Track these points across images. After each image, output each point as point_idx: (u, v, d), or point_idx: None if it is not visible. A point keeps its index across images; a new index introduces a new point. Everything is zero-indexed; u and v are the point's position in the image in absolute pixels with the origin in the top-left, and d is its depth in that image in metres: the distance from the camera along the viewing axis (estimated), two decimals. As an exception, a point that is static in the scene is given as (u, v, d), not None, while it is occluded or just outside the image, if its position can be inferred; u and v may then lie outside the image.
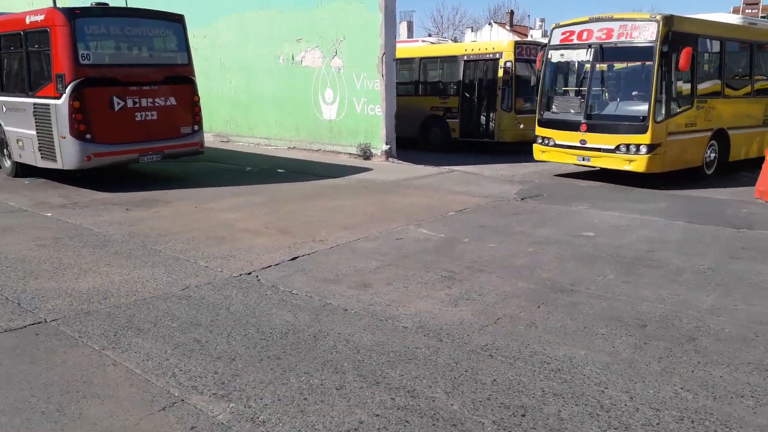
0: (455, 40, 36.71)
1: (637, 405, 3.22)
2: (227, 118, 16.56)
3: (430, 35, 35.37)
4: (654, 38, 8.98)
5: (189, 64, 10.14)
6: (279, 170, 11.67)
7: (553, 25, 10.79)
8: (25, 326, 4.22)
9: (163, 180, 10.36)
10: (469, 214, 7.96)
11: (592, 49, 9.71)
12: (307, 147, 14.68)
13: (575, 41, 10.09)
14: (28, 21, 9.27)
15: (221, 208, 8.16)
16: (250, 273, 5.44)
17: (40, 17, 9.03)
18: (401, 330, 4.21)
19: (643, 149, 9.21)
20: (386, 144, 13.04)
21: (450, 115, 14.85)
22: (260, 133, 15.87)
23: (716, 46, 10.35)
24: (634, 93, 9.77)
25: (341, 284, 5.15)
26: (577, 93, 10.23)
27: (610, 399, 3.29)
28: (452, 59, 15.02)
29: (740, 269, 5.59)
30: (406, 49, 16.68)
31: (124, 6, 10.62)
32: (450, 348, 3.93)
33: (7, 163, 10.44)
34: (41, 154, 9.28)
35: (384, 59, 12.62)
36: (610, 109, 9.92)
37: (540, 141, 10.72)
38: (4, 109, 10.03)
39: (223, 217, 7.68)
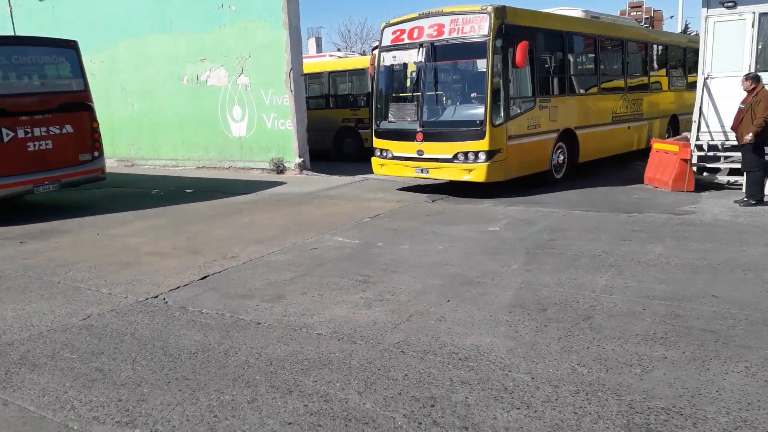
0: (363, 54, 37.23)
1: (537, 384, 3.40)
2: (131, 141, 15.95)
3: (338, 50, 35.77)
4: (486, 32, 8.47)
5: (85, 90, 9.76)
6: (188, 190, 11.34)
7: (383, 24, 9.89)
8: None
9: (62, 209, 9.81)
10: (383, 219, 8.08)
11: (424, 49, 9.07)
12: (217, 165, 14.39)
13: (406, 40, 9.34)
14: None
15: (125, 234, 7.83)
16: (156, 296, 5.25)
17: None
18: (315, 337, 4.21)
19: (482, 156, 8.67)
20: (299, 157, 13.03)
21: (362, 126, 15.03)
22: (167, 155, 15.40)
23: (558, 41, 10.04)
24: (472, 95, 9.17)
25: (254, 299, 5.08)
26: (412, 99, 9.68)
27: (513, 381, 3.45)
28: (360, 72, 15.22)
29: (631, 250, 6.01)
30: (314, 64, 16.79)
31: (11, 35, 10.10)
32: (364, 349, 3.97)
33: None
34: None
35: (291, 75, 12.65)
36: (447, 114, 9.36)
37: (378, 153, 9.99)
38: None
39: (127, 242, 7.37)
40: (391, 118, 9.99)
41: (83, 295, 5.34)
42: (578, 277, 5.25)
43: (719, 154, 9.48)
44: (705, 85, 9.34)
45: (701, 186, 9.33)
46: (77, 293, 5.41)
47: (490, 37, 8.71)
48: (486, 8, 8.75)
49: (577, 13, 11.51)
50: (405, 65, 9.95)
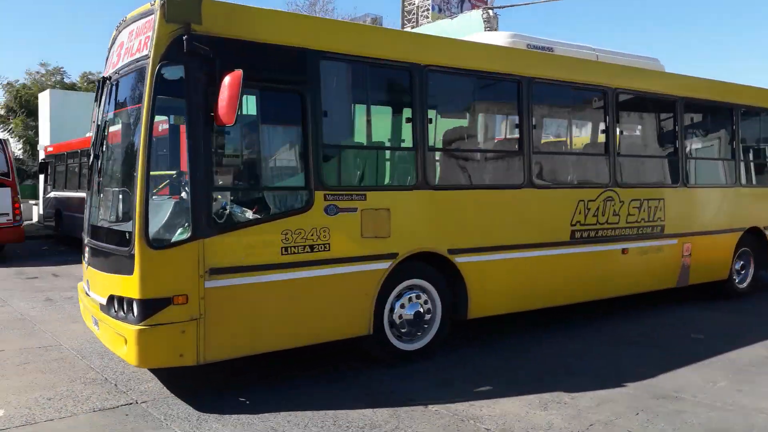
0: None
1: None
2: None
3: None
4: (147, 53, 4.18)
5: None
6: None
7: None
8: None
9: None
10: None
11: (104, 89, 4.99)
12: None
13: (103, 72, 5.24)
14: None
15: None
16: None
17: None
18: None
19: (135, 311, 4.10)
20: None
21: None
22: None
23: (400, 76, 5.29)
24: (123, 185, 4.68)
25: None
26: (90, 183, 5.34)
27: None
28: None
29: None
30: None
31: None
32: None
33: None
34: None
35: None
36: (108, 216, 4.91)
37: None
38: None
39: None
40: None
41: None
42: None
43: None
44: None
45: None
46: None
47: (151, 62, 4.13)
48: (155, 2, 4.21)
49: (499, 38, 6.46)
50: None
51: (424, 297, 5.34)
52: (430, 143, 5.41)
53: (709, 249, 7.65)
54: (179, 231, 4.22)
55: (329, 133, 4.81)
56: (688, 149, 7.66)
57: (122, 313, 4.24)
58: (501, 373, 5.02)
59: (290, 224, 4.56)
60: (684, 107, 7.43)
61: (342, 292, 4.85)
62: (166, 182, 4.59)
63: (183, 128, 4.26)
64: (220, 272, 4.27)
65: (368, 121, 5.15)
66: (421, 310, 5.31)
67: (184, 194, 4.25)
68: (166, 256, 4.14)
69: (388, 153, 5.63)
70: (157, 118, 4.29)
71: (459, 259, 5.47)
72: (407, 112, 5.31)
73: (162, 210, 4.35)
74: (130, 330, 4.08)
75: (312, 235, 4.65)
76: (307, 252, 4.64)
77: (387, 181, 5.51)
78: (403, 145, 5.69)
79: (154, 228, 4.15)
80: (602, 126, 6.71)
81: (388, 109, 5.90)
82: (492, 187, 5.96)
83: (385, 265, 5.03)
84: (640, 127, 7.89)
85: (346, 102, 5.15)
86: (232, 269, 4.33)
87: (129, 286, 4.14)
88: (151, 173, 4.14)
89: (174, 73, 4.16)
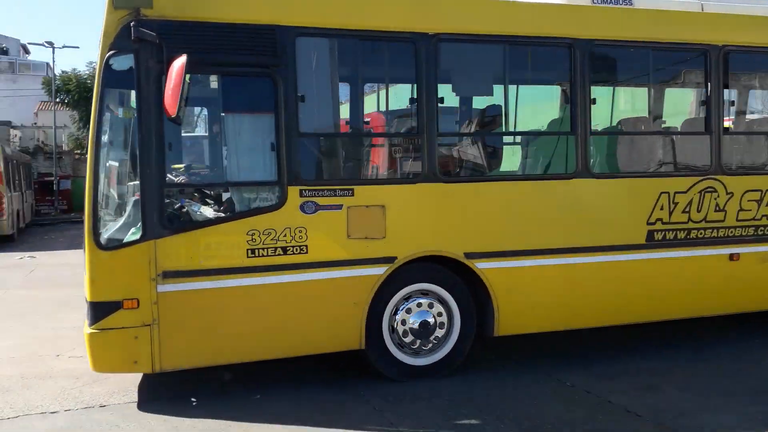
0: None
1: None
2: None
3: None
4: (102, 40, 3.84)
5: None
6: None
7: None
8: None
9: None
10: None
11: None
12: None
13: None
14: None
15: None
16: None
17: None
18: None
19: (88, 316, 3.91)
20: None
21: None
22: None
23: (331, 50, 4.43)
24: None
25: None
26: None
27: None
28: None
29: None
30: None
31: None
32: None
33: None
34: None
35: None
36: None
37: None
38: None
39: None
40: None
41: None
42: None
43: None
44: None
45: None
46: None
47: (100, 52, 3.86)
48: None
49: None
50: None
51: (439, 307, 4.55)
52: (440, 128, 4.53)
53: None
54: (131, 231, 3.98)
55: (307, 120, 4.22)
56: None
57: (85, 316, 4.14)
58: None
59: (258, 224, 4.09)
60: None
61: (324, 301, 4.26)
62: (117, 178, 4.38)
63: (124, 114, 4.01)
64: (174, 276, 3.95)
65: (358, 105, 4.45)
66: (431, 320, 4.53)
67: (136, 191, 3.99)
68: (116, 258, 3.92)
69: (384, 141, 4.86)
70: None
71: (480, 265, 4.55)
72: (411, 91, 4.49)
73: (115, 208, 4.16)
74: (85, 333, 3.95)
75: (285, 236, 4.13)
76: (279, 255, 4.13)
77: (382, 173, 4.76)
78: (404, 131, 4.87)
79: (104, 228, 3.97)
80: (700, 96, 5.18)
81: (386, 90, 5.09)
82: (527, 177, 4.89)
83: (379, 271, 4.33)
84: (756, 94, 6.01)
85: (328, 84, 4.48)
86: (189, 273, 3.98)
87: (85, 287, 4.01)
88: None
89: (123, 63, 3.89)
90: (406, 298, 4.51)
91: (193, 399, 4.22)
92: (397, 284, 4.44)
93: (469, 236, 4.55)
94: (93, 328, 3.90)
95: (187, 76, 3.64)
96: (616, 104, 5.77)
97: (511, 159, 5.22)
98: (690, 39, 5.08)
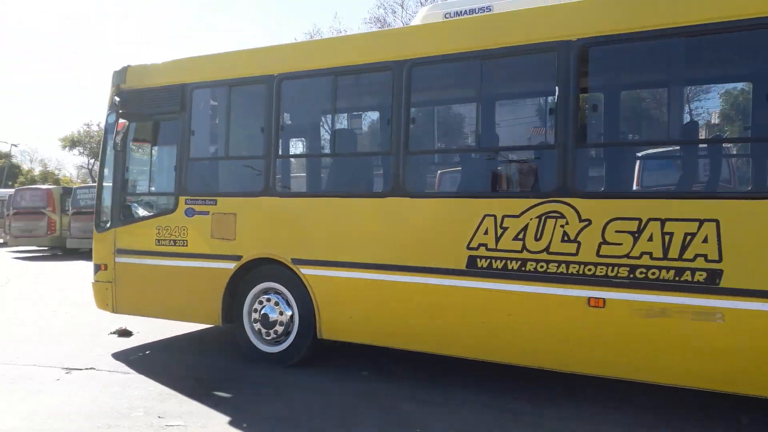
0: None
1: None
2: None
3: None
4: None
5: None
6: None
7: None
8: None
9: None
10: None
11: None
12: None
13: None
14: None
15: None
16: None
17: None
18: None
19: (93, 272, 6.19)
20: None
21: None
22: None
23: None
24: None
25: None
26: None
27: None
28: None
29: None
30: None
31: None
32: None
33: None
34: None
35: None
36: None
37: None
38: None
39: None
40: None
41: None
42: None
43: None
44: None
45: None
46: None
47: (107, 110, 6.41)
48: None
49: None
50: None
51: (282, 306, 5.38)
52: (280, 151, 5.35)
53: None
54: (108, 223, 6.32)
55: (195, 148, 5.79)
56: None
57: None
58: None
59: (161, 222, 5.89)
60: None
61: (196, 284, 5.71)
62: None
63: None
64: (121, 252, 6.13)
65: (226, 134, 5.70)
66: (271, 314, 5.39)
67: (110, 199, 6.33)
68: (100, 238, 6.33)
69: (242, 162, 5.78)
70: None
71: (304, 271, 5.18)
72: (262, 122, 5.46)
73: (105, 209, 6.55)
74: (90, 283, 6.52)
75: (175, 232, 5.81)
76: (171, 245, 5.83)
77: (236, 188, 5.73)
78: (251, 154, 5.69)
79: (99, 220, 6.44)
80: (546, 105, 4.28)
81: (247, 122, 5.89)
82: (346, 195, 5.06)
83: (230, 266, 5.52)
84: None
85: (208, 121, 5.83)
86: (127, 251, 6.10)
87: (93, 254, 6.59)
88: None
89: (111, 117, 6.32)
90: (266, 292, 5.49)
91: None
92: (252, 279, 5.50)
93: (296, 244, 5.22)
94: (93, 280, 6.43)
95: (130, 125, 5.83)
96: (441, 124, 5.06)
97: (337, 177, 5.36)
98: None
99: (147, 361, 5.72)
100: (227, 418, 4.19)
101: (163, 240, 5.86)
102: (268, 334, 5.43)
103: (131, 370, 5.34)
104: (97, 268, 6.32)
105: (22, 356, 5.78)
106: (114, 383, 4.99)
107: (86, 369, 5.40)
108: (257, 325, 5.48)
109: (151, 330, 6.70)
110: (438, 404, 4.43)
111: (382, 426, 4.07)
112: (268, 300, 5.43)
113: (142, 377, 5.14)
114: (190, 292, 5.76)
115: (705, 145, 4.84)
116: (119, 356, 5.83)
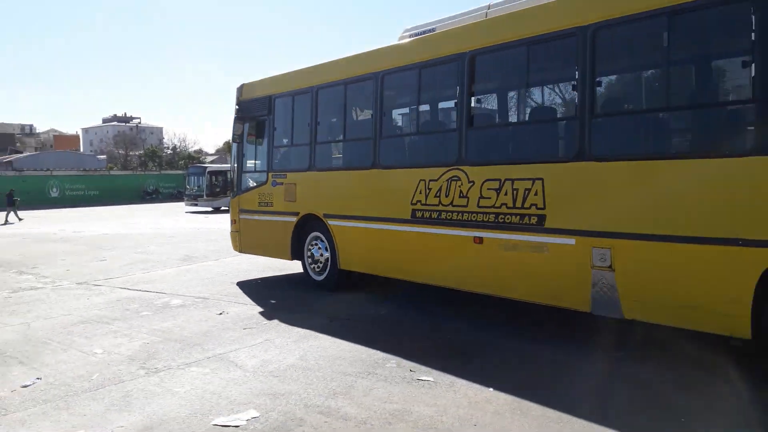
0: None
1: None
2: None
3: None
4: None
5: None
6: None
7: None
8: None
9: None
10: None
11: None
12: None
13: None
14: None
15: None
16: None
17: None
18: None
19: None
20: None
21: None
22: None
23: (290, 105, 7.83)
24: None
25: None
26: None
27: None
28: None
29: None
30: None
31: None
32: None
33: None
34: None
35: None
36: None
37: None
38: None
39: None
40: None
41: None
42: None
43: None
44: None
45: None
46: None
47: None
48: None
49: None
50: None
51: (323, 249, 7.87)
52: (319, 138, 7.76)
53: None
54: (234, 192, 9.42)
55: (277, 139, 8.52)
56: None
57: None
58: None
59: (261, 190, 8.78)
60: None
61: (277, 231, 8.48)
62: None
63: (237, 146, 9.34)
64: (243, 211, 9.21)
65: (291, 128, 8.25)
66: (316, 254, 7.90)
67: (235, 176, 9.39)
68: (233, 202, 9.48)
69: (298, 148, 8.13)
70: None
71: (330, 222, 7.56)
72: (307, 119, 7.90)
73: (234, 182, 9.58)
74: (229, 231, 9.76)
75: (267, 197, 8.65)
76: (265, 206, 8.69)
77: (296, 166, 8.14)
78: (302, 142, 7.99)
79: (232, 190, 9.58)
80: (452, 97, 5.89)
81: (303, 119, 8.08)
82: (351, 168, 7.20)
83: (293, 219, 8.17)
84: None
85: (282, 120, 8.40)
86: (245, 211, 9.14)
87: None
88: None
89: (235, 120, 9.36)
90: (315, 239, 8.02)
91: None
92: (308, 229, 8.06)
93: (325, 204, 7.62)
94: (230, 230, 9.65)
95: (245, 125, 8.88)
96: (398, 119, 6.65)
97: (343, 156, 7.38)
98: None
99: (395, 323, 6.18)
100: (473, 381, 4.42)
101: (262, 203, 8.75)
102: (315, 268, 7.95)
103: (385, 327, 6.01)
104: (232, 222, 9.52)
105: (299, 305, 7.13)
106: (368, 336, 5.63)
107: (346, 319, 6.35)
108: (309, 261, 8.04)
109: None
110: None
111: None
112: (315, 245, 7.93)
113: (396, 336, 5.66)
114: (274, 237, 8.57)
115: (537, 124, 5.76)
116: (367, 313, 6.56)
